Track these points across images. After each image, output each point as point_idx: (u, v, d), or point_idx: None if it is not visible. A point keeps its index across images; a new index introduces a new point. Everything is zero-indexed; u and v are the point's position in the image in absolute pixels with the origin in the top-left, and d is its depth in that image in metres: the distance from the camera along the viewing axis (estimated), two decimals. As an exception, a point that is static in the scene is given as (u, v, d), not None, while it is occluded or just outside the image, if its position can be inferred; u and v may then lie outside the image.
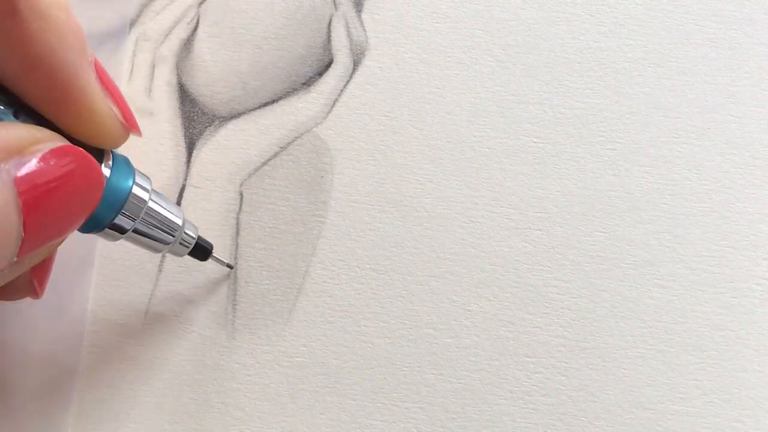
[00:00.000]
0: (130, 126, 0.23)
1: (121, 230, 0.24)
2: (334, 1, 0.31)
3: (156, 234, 0.25)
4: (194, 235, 0.26)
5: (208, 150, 0.30)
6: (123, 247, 0.28)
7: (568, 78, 0.30)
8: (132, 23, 0.31)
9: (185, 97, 0.30)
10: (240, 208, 0.29)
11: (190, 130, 0.30)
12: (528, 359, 0.27)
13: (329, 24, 0.31)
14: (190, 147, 0.30)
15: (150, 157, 0.29)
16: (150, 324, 0.28)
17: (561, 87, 0.30)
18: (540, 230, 0.29)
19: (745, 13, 0.30)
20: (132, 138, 0.29)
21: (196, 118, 0.30)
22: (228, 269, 0.28)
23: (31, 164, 0.20)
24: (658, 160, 0.29)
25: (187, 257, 0.27)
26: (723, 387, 0.27)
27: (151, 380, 0.27)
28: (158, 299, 0.28)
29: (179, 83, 0.30)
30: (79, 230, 0.23)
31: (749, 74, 0.30)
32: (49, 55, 0.21)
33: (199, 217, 0.29)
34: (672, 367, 0.27)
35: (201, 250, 0.27)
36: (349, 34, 0.31)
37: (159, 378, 0.27)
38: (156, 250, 0.25)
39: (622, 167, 0.29)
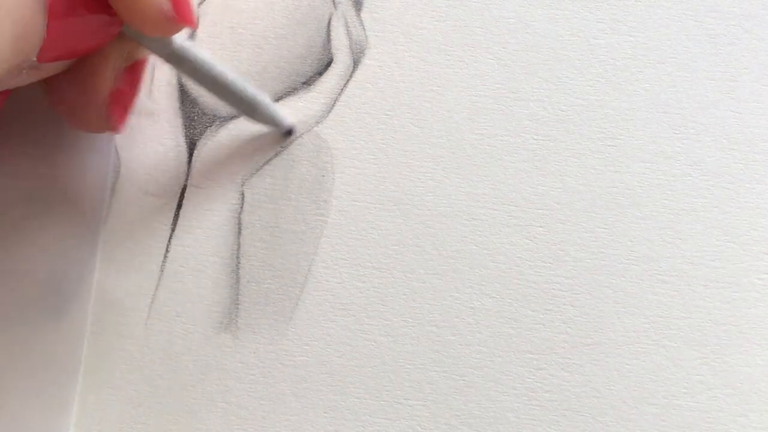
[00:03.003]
0: (179, 20, 0.25)
1: None
2: (333, 1, 0.31)
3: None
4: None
5: (209, 150, 0.30)
6: (125, 247, 0.28)
7: (567, 75, 0.30)
8: (132, 24, 0.31)
9: (185, 98, 0.30)
10: (242, 207, 0.29)
11: (191, 131, 0.30)
12: (531, 356, 0.27)
13: (329, 23, 0.31)
14: (191, 147, 0.30)
15: (151, 157, 0.29)
16: (152, 324, 0.28)
17: (561, 84, 0.30)
18: (541, 227, 0.29)
19: (744, 8, 0.31)
20: (133, 139, 0.30)
21: (197, 119, 0.30)
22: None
23: None
24: (659, 156, 0.29)
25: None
26: (726, 382, 0.27)
27: (154, 380, 0.27)
28: (160, 299, 0.28)
29: (179, 83, 0.30)
30: None
31: (749, 70, 0.30)
32: None
33: (201, 217, 0.29)
34: (675, 362, 0.27)
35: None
36: (348, 33, 0.31)
37: (161, 378, 0.27)
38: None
39: (623, 163, 0.29)
